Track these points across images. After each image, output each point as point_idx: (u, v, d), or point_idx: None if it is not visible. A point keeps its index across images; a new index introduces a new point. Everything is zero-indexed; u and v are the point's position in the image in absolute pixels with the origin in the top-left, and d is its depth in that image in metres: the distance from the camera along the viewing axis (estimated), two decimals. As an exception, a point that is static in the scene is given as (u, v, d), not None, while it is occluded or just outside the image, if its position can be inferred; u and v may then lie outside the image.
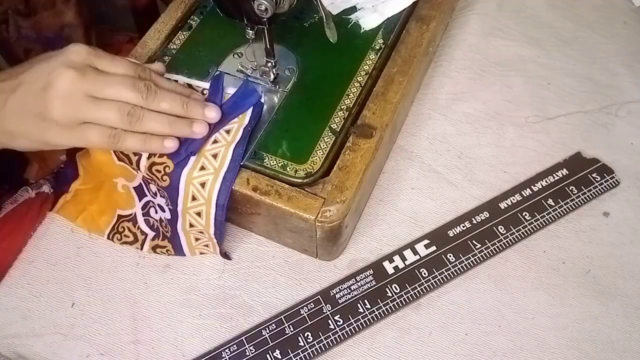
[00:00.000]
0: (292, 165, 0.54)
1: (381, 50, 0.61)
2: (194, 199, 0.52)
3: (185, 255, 0.58)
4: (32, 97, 0.49)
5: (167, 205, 0.54)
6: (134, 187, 0.57)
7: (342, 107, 0.57)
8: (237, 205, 0.55)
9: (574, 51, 0.71)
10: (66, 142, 0.51)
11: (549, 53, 0.71)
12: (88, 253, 0.59)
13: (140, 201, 0.58)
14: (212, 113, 0.53)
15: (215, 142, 0.53)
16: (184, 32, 0.63)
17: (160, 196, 0.55)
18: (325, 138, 0.55)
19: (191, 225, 0.54)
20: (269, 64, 0.57)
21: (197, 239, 0.56)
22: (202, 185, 0.52)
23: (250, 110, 0.55)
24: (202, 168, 0.52)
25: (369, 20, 0.63)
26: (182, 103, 0.52)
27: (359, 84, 0.59)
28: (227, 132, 0.54)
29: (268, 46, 0.56)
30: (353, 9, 0.64)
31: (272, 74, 0.58)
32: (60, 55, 0.50)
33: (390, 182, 0.62)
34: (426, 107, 0.67)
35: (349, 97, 0.58)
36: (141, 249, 0.58)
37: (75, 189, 0.61)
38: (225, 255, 0.57)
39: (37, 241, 0.59)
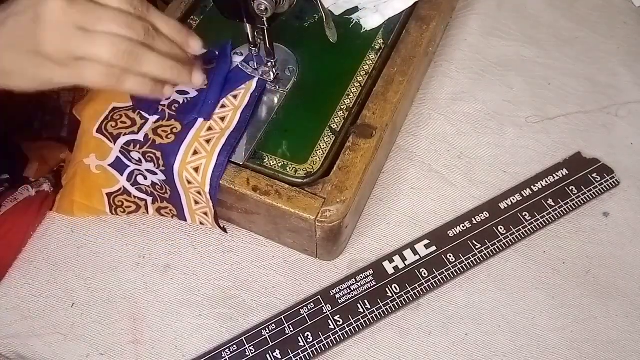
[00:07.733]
0: (292, 165, 0.54)
1: (381, 50, 0.61)
2: (195, 153, 0.53)
3: (186, 220, 0.58)
4: (22, 30, 0.45)
5: (158, 168, 0.54)
6: (109, 165, 0.57)
7: (342, 107, 0.57)
8: (237, 205, 0.55)
9: (574, 51, 0.71)
10: (63, 79, 0.46)
11: (549, 53, 0.71)
12: (88, 253, 0.59)
13: (122, 175, 0.58)
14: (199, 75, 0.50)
15: (223, 106, 0.55)
16: (184, 32, 0.63)
17: (147, 161, 0.54)
18: (325, 138, 0.55)
19: (189, 182, 0.54)
20: (269, 64, 0.58)
21: (196, 202, 0.56)
22: (207, 141, 0.53)
23: (256, 78, 0.58)
24: (210, 129, 0.54)
25: (370, 21, 0.63)
26: (181, 51, 0.48)
27: (359, 84, 0.59)
28: (235, 97, 0.56)
29: (268, 46, 0.56)
30: (355, 9, 0.64)
31: (272, 74, 0.58)
32: None
33: (390, 182, 0.62)
34: (426, 107, 0.67)
35: (349, 97, 0.58)
36: (147, 212, 0.59)
37: (65, 182, 0.60)
38: (223, 229, 0.57)
39: (37, 241, 0.59)
